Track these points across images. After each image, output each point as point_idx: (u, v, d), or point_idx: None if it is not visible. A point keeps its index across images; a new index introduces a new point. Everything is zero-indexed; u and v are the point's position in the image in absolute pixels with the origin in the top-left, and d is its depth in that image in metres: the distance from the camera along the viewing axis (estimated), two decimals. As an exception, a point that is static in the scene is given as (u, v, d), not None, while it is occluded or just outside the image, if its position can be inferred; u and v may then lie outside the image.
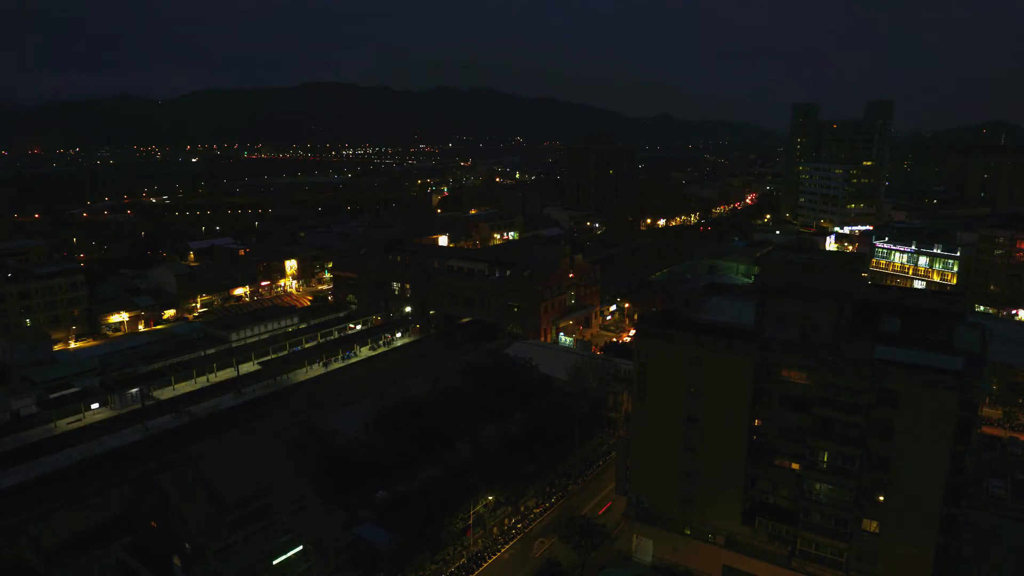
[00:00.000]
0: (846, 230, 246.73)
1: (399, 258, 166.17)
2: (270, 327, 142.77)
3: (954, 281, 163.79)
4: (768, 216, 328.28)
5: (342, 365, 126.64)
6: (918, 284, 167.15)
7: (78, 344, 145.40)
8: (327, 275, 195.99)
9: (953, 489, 59.37)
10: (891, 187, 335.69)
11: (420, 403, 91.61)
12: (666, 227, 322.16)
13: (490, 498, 79.29)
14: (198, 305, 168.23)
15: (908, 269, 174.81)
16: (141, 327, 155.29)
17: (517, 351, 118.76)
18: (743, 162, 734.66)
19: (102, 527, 69.73)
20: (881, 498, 61.81)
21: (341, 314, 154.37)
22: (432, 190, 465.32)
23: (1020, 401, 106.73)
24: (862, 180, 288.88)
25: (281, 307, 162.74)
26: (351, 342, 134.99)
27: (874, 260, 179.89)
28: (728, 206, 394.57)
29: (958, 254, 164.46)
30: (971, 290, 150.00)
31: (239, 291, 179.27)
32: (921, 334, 67.04)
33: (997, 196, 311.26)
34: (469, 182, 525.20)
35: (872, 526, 62.80)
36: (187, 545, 64.24)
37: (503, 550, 78.20)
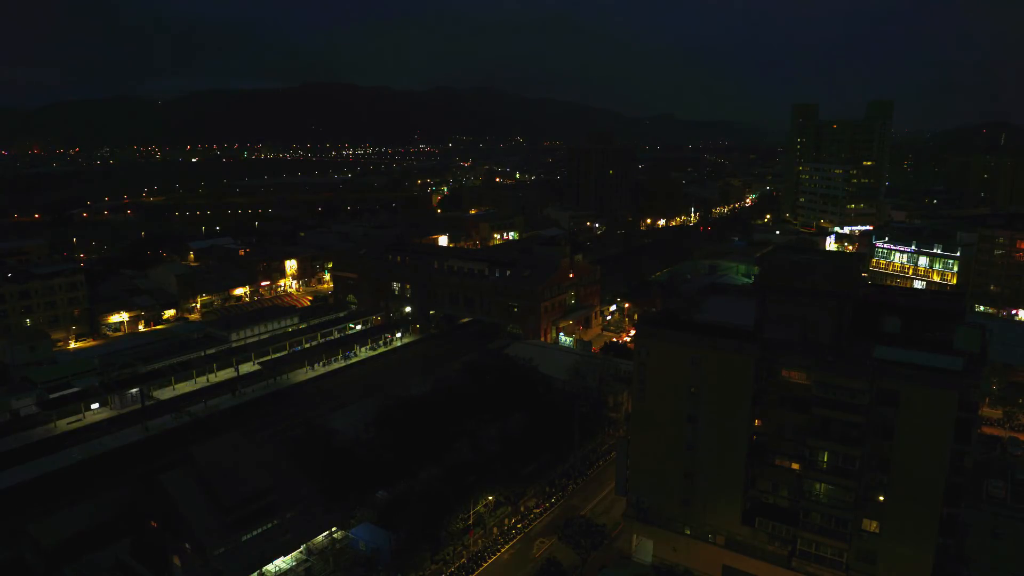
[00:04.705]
0: (846, 230, 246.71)
1: (399, 258, 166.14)
2: (270, 327, 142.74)
3: (954, 281, 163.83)
4: (768, 216, 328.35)
5: (342, 365, 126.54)
6: (918, 284, 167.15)
7: (78, 344, 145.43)
8: (327, 275, 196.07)
9: (953, 489, 59.39)
10: (891, 187, 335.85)
11: (420, 403, 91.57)
12: (666, 227, 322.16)
13: (490, 498, 79.35)
14: (198, 305, 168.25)
15: (908, 269, 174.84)
16: (141, 327, 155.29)
17: (517, 351, 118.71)
18: (743, 162, 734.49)
19: (102, 527, 69.64)
20: (881, 498, 61.85)
21: (341, 314, 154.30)
22: (432, 190, 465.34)
23: (1020, 401, 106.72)
24: (862, 180, 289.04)
25: (281, 307, 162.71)
26: (351, 342, 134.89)
27: (874, 260, 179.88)
28: (728, 206, 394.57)
29: (958, 254, 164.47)
30: (971, 290, 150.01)
31: (239, 291, 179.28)
32: (921, 334, 67.10)
33: (997, 196, 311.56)
34: (469, 182, 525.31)
35: (872, 526, 62.83)
36: (187, 545, 64.32)
37: (503, 550, 78.23)
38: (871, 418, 60.81)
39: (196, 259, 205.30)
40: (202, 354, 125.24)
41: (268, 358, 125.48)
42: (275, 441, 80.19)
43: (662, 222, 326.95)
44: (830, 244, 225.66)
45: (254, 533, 64.93)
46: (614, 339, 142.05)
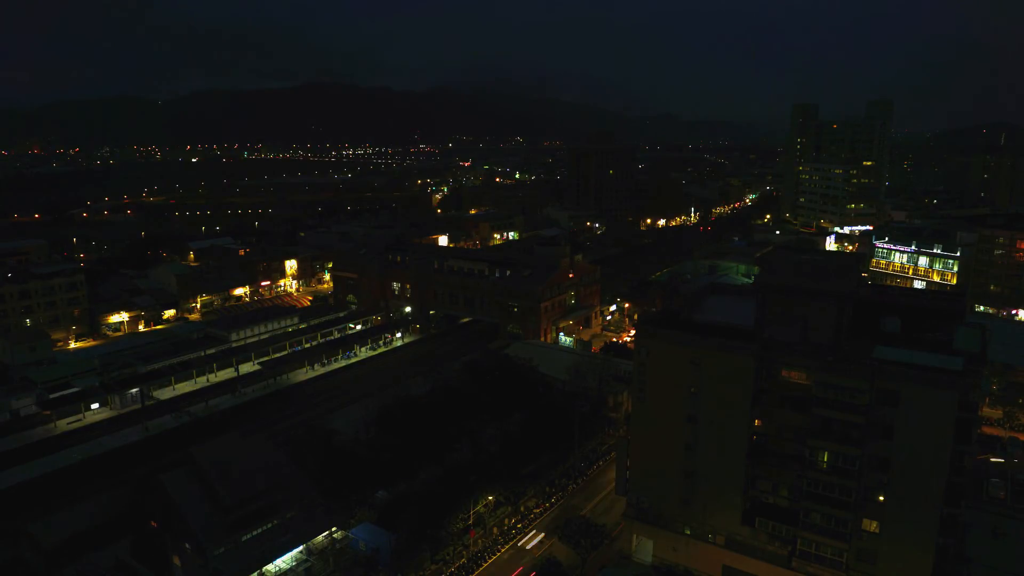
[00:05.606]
0: (846, 230, 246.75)
1: (399, 258, 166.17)
2: (270, 327, 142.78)
3: (954, 281, 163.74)
4: (768, 216, 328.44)
5: (342, 365, 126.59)
6: (918, 284, 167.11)
7: (78, 344, 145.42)
8: (327, 275, 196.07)
9: (953, 489, 59.38)
10: (891, 187, 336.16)
11: (420, 403, 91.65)
12: (666, 227, 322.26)
13: (490, 498, 79.31)
14: (198, 305, 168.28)
15: (908, 269, 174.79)
16: (141, 327, 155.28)
17: (517, 351, 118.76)
18: (743, 162, 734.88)
19: (102, 527, 69.66)
20: (881, 498, 61.85)
21: (341, 314, 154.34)
22: (432, 190, 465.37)
23: (1020, 401, 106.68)
24: (862, 180, 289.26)
25: (281, 307, 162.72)
26: (351, 342, 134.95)
27: (874, 260, 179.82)
28: (728, 206, 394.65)
29: (958, 254, 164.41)
30: (971, 290, 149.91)
31: (239, 291, 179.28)
32: (921, 334, 67.10)
33: (997, 196, 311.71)
34: (469, 182, 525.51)
35: (872, 526, 62.83)
36: (187, 545, 64.32)
37: (503, 550, 78.22)
38: (871, 418, 60.78)
39: (196, 259, 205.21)
40: (202, 354, 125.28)
41: (268, 358, 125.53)
42: (275, 441, 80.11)
43: (662, 222, 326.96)
44: (830, 244, 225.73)
45: (254, 533, 64.91)
46: (614, 339, 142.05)
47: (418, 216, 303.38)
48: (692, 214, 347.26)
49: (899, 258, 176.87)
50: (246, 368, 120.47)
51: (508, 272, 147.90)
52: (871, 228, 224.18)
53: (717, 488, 69.76)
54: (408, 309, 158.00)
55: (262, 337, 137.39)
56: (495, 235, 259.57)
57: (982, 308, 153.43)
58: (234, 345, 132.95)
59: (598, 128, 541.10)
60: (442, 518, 72.97)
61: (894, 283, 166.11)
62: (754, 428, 68.03)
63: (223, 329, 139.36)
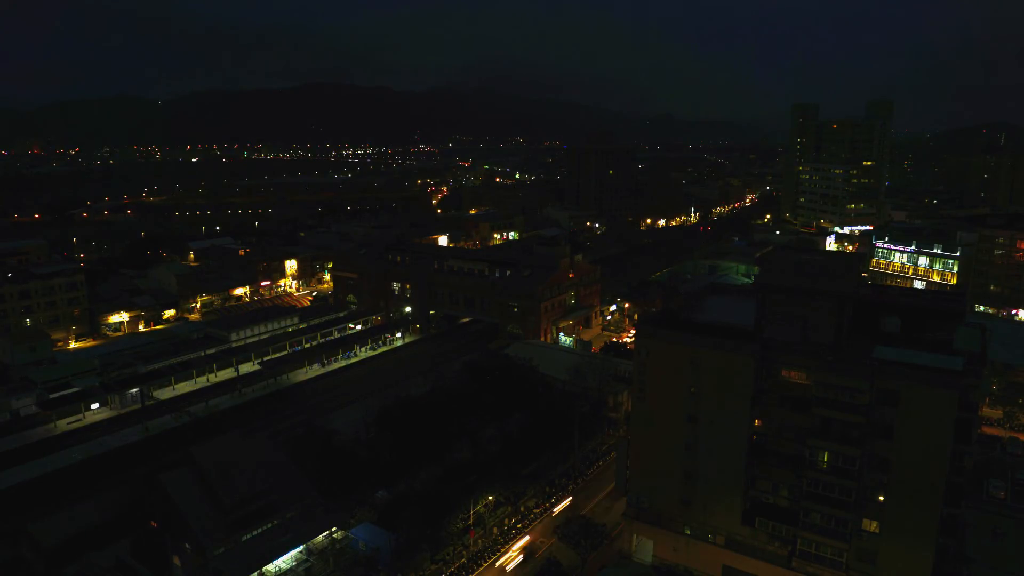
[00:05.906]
0: (846, 230, 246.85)
1: (399, 258, 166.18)
2: (270, 327, 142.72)
3: (954, 281, 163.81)
4: (768, 216, 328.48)
5: (342, 365, 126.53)
6: (918, 284, 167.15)
7: (78, 344, 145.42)
8: (327, 275, 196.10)
9: (953, 489, 59.39)
10: (891, 187, 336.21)
11: (420, 403, 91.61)
12: (666, 227, 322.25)
13: (490, 498, 79.34)
14: (198, 305, 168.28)
15: (908, 269, 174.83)
16: (141, 327, 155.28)
17: (517, 351, 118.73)
18: (743, 162, 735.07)
19: (102, 527, 69.66)
20: (881, 498, 61.85)
21: (341, 314, 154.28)
22: (432, 190, 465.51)
23: (1020, 401, 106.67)
24: (862, 180, 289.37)
25: (281, 307, 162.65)
26: (351, 342, 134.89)
27: (874, 260, 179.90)
28: (728, 206, 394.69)
29: (958, 254, 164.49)
30: (971, 290, 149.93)
31: (239, 291, 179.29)
32: (921, 334, 67.12)
33: (997, 196, 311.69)
34: (469, 182, 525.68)
35: (872, 526, 62.85)
36: (187, 545, 64.34)
37: (503, 550, 78.21)
38: (871, 418, 60.81)
39: (196, 259, 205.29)
40: (202, 354, 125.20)
41: (268, 358, 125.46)
42: (275, 441, 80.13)
43: (662, 222, 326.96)
44: (830, 244, 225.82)
45: (254, 533, 64.94)
46: (614, 339, 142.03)
47: (418, 216, 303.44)
48: (692, 214, 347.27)
49: (899, 258, 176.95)
50: (246, 368, 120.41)
51: (508, 272, 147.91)
52: (871, 228, 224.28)
53: (717, 488, 69.78)
54: (408, 309, 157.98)
55: (262, 337, 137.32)
56: (495, 235, 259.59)
57: (982, 308, 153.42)
58: (234, 345, 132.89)
59: (598, 128, 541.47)
60: (442, 518, 72.97)
61: (894, 283, 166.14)
62: (754, 428, 68.04)
63: (223, 329, 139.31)
